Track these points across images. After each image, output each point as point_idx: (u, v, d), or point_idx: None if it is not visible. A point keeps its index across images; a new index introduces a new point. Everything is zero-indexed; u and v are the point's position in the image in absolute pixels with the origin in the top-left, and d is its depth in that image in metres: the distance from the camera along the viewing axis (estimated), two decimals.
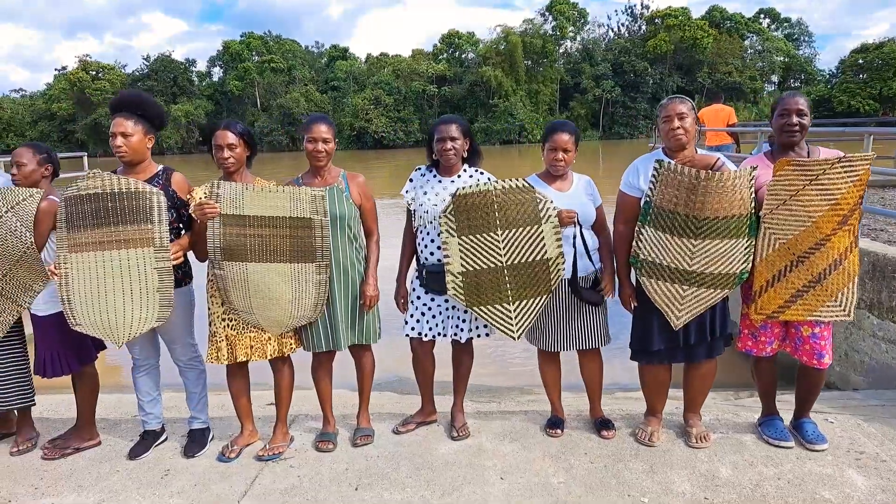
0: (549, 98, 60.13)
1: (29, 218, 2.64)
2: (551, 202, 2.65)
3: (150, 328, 2.64)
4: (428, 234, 2.78)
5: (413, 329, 2.86)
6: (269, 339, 2.74)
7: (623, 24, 66.34)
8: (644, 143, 50.87)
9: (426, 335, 2.84)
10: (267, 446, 2.83)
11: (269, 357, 2.77)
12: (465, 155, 2.80)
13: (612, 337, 2.90)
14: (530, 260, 2.68)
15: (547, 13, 62.02)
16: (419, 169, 2.89)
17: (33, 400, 2.97)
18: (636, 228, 2.60)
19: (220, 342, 2.73)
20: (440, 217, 2.68)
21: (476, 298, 2.71)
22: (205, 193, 2.73)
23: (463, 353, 2.97)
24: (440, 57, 62.72)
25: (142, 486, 2.62)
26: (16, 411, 3.01)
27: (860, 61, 57.97)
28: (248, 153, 2.73)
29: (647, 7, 63.89)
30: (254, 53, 61.29)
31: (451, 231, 2.68)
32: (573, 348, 2.82)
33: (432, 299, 2.83)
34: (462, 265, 2.69)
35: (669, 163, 2.48)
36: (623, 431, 2.91)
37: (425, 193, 2.79)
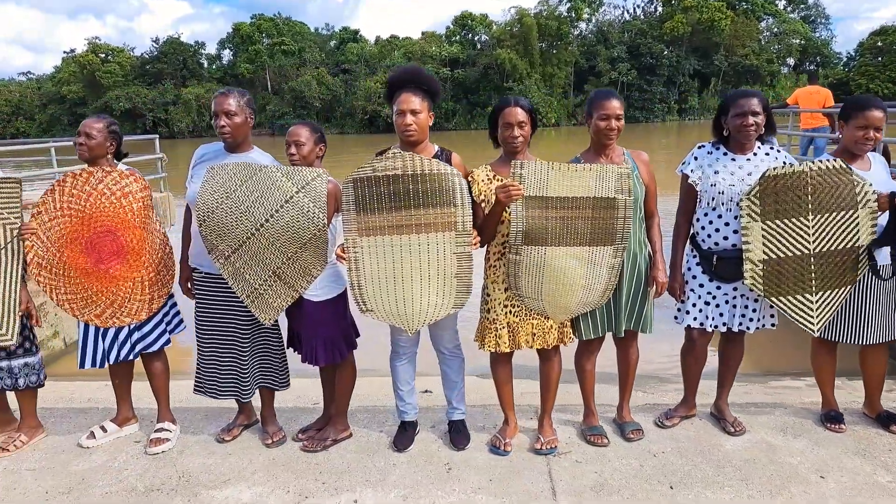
0: (564, 81, 59.48)
1: (321, 198, 2.48)
2: (870, 185, 2.48)
3: (444, 315, 2.50)
4: (720, 216, 2.62)
5: (695, 319, 2.71)
6: (552, 326, 2.60)
7: (639, 6, 65.45)
8: (660, 127, 50.63)
9: (710, 326, 2.70)
10: (541, 439, 2.70)
11: (550, 345, 2.63)
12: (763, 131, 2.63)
13: None
14: (840, 248, 2.52)
15: None
16: (703, 146, 2.72)
17: (288, 384, 2.86)
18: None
19: (500, 329, 2.59)
20: (743, 199, 2.52)
21: (776, 288, 2.56)
22: (487, 176, 2.57)
23: (736, 345, 2.82)
24: (453, 39, 61.92)
25: (434, 480, 2.49)
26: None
27: (879, 44, 57.22)
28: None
29: None
30: (264, 36, 60.50)
31: (754, 215, 2.52)
32: (873, 340, 2.67)
33: (718, 287, 2.68)
34: (764, 252, 2.54)
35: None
36: None
37: (717, 172, 2.62)
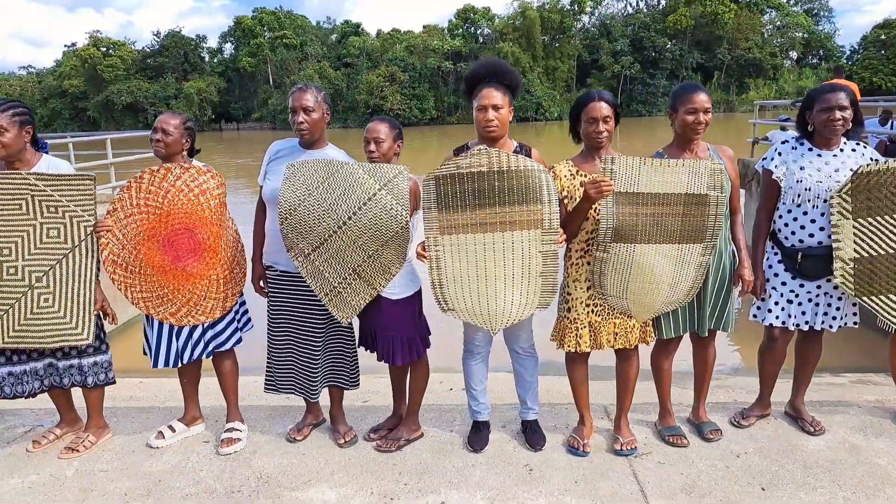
0: (567, 75, 59.29)
1: (404, 196, 2.43)
2: None
3: (529, 315, 2.46)
4: (805, 213, 2.57)
5: (777, 318, 2.67)
6: (634, 325, 2.56)
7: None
8: (663, 121, 50.37)
9: (792, 324, 2.66)
10: (620, 440, 2.66)
11: (632, 345, 2.59)
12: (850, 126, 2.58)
13: None
14: None
15: None
16: (786, 141, 2.67)
17: (358, 383, 2.82)
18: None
19: (581, 329, 2.55)
20: (833, 197, 2.48)
21: (867, 287, 2.52)
22: (569, 171, 2.53)
23: (815, 343, 2.78)
24: (455, 32, 61.64)
25: (517, 481, 2.46)
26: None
27: (882, 37, 56.96)
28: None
29: None
30: (266, 29, 60.19)
31: (845, 212, 2.48)
32: None
33: (801, 285, 2.64)
34: (855, 250, 2.50)
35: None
36: None
37: (802, 168, 2.57)
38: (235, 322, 2.84)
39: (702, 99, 2.46)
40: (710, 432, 2.72)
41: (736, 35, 58.50)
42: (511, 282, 2.41)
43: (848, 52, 64.80)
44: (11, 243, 2.52)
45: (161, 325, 2.69)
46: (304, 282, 2.61)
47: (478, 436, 2.74)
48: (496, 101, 2.44)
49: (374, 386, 3.38)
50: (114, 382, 2.83)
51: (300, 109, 2.56)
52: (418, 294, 2.69)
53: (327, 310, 2.65)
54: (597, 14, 63.15)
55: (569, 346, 2.57)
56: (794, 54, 65.73)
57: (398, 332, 2.63)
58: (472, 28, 62.44)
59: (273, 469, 2.61)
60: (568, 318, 2.58)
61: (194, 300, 2.66)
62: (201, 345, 2.73)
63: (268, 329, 2.81)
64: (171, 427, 2.88)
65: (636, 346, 2.65)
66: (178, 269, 2.60)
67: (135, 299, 2.64)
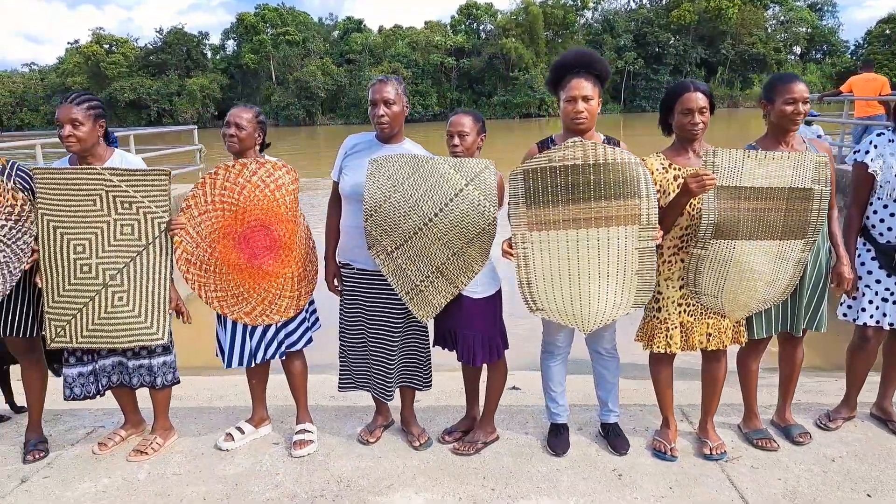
0: None
1: (491, 191, 2.34)
2: None
3: (623, 314, 2.37)
4: None
5: (872, 317, 2.59)
6: (728, 325, 2.48)
7: None
8: None
9: (887, 323, 2.58)
10: (709, 444, 2.58)
11: (725, 346, 2.51)
12: None
13: None
14: None
15: None
16: (882, 133, 2.58)
17: (431, 384, 2.74)
18: None
19: (672, 329, 2.46)
20: None
21: None
22: (661, 165, 2.44)
23: None
24: (458, 28, 61.44)
25: (608, 487, 2.38)
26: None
27: (887, 31, 56.75)
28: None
29: None
30: (268, 26, 59.93)
31: None
32: None
33: None
34: None
35: None
36: None
37: None
38: (307, 322, 2.75)
39: (801, 88, 2.38)
40: (798, 435, 2.64)
41: (739, 30, 58.29)
42: (605, 280, 2.32)
43: (852, 48, 64.60)
44: (85, 240, 2.44)
45: (235, 325, 2.61)
46: (383, 280, 2.53)
47: (558, 439, 2.66)
48: (586, 91, 2.35)
49: (444, 385, 3.30)
50: (178, 382, 2.75)
51: (381, 102, 2.47)
52: (499, 293, 2.60)
53: (405, 308, 2.57)
54: (600, 9, 62.97)
55: (658, 347, 2.49)
56: (797, 49, 65.51)
57: (480, 331, 2.55)
58: (475, 24, 62.21)
59: (351, 472, 2.53)
60: (658, 317, 2.49)
61: (269, 299, 2.58)
62: (274, 345, 2.65)
63: (340, 328, 2.73)
64: (239, 429, 2.80)
65: (726, 348, 2.57)
66: (253, 267, 2.52)
67: (209, 298, 2.56)
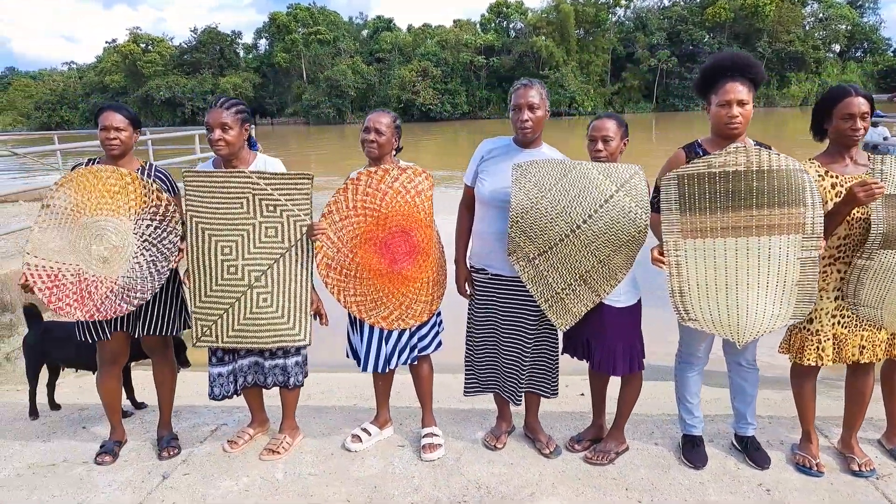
0: (601, 69, 58.47)
1: (642, 197, 2.31)
2: None
3: (781, 326, 2.31)
4: None
5: None
6: (883, 338, 2.40)
7: None
8: (701, 116, 48.99)
9: None
10: (856, 460, 2.49)
11: (878, 359, 2.43)
12: None
13: None
14: None
15: None
16: None
17: (557, 391, 2.71)
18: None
19: (825, 342, 2.39)
20: None
21: None
22: (817, 172, 2.36)
23: None
24: (488, 27, 61.25)
25: (760, 503, 2.32)
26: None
27: None
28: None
29: None
30: (300, 25, 60.61)
31: None
32: None
33: None
34: None
35: None
36: None
37: None
38: (438, 326, 2.75)
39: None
40: None
41: (777, 28, 56.94)
42: (764, 290, 2.26)
43: (895, 45, 62.60)
44: (232, 242, 2.47)
45: (371, 329, 2.61)
46: (519, 286, 2.51)
47: (696, 451, 2.60)
48: (742, 95, 2.29)
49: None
50: (302, 384, 2.77)
51: (525, 107, 2.44)
52: (640, 303, 2.56)
53: (539, 316, 2.54)
54: (632, 7, 62.14)
55: (809, 360, 2.42)
56: (836, 47, 63.68)
57: (620, 341, 2.51)
58: (505, 22, 61.97)
59: (487, 478, 2.52)
60: (809, 329, 2.42)
61: (406, 304, 2.58)
62: (407, 350, 2.65)
63: (468, 332, 2.72)
64: (365, 430, 2.81)
65: (878, 361, 2.49)
66: (393, 272, 2.52)
67: (348, 303, 2.57)
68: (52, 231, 2.45)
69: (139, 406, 3.29)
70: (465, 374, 2.78)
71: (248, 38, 72.19)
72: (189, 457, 2.75)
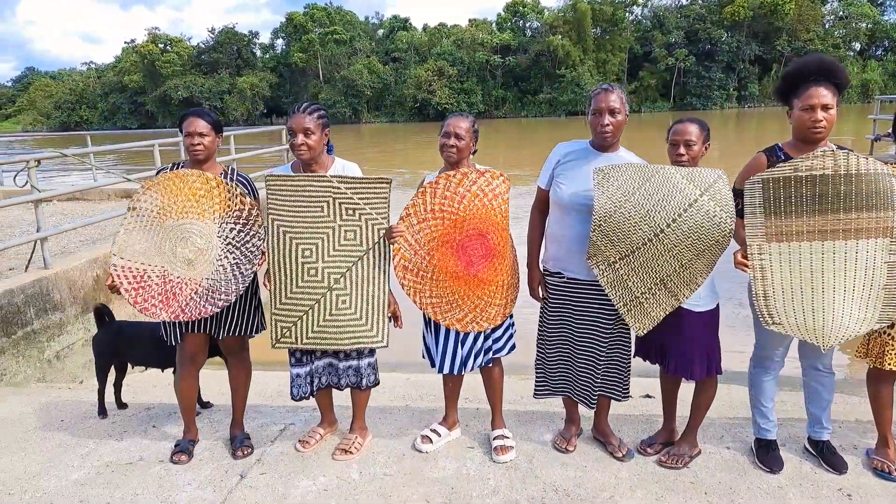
0: (618, 68, 58.10)
1: (727, 201, 2.30)
2: None
3: (867, 330, 2.29)
4: None
5: None
6: None
7: None
8: (719, 115, 48.81)
9: None
10: None
11: None
12: None
13: None
14: None
15: None
16: None
17: (628, 394, 2.71)
18: None
19: None
20: None
21: None
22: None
23: None
24: (504, 26, 61.14)
25: None
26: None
27: None
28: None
29: None
30: (316, 25, 60.94)
31: None
32: None
33: None
34: None
35: None
36: None
37: None
38: (511, 328, 2.77)
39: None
40: None
41: (796, 26, 56.24)
42: (850, 294, 2.25)
43: None
44: (313, 245, 2.50)
45: (447, 332, 2.64)
46: (596, 289, 2.52)
47: (771, 455, 2.59)
48: (826, 100, 2.28)
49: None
50: (378, 383, 2.80)
51: (606, 111, 2.45)
52: (718, 307, 2.56)
53: (614, 319, 2.55)
54: (649, 6, 61.66)
55: (891, 365, 2.40)
56: (857, 45, 62.71)
57: (699, 345, 2.51)
58: (521, 21, 61.83)
59: (564, 481, 2.53)
60: (890, 333, 2.41)
61: (481, 306, 2.60)
62: (482, 353, 2.67)
63: (539, 334, 2.74)
64: (434, 431, 2.84)
65: None
66: (469, 274, 2.54)
67: (423, 305, 2.59)
68: (138, 233, 2.51)
69: (204, 405, 3.34)
70: (536, 377, 2.79)
71: (264, 38, 72.45)
72: (262, 456, 2.79)
